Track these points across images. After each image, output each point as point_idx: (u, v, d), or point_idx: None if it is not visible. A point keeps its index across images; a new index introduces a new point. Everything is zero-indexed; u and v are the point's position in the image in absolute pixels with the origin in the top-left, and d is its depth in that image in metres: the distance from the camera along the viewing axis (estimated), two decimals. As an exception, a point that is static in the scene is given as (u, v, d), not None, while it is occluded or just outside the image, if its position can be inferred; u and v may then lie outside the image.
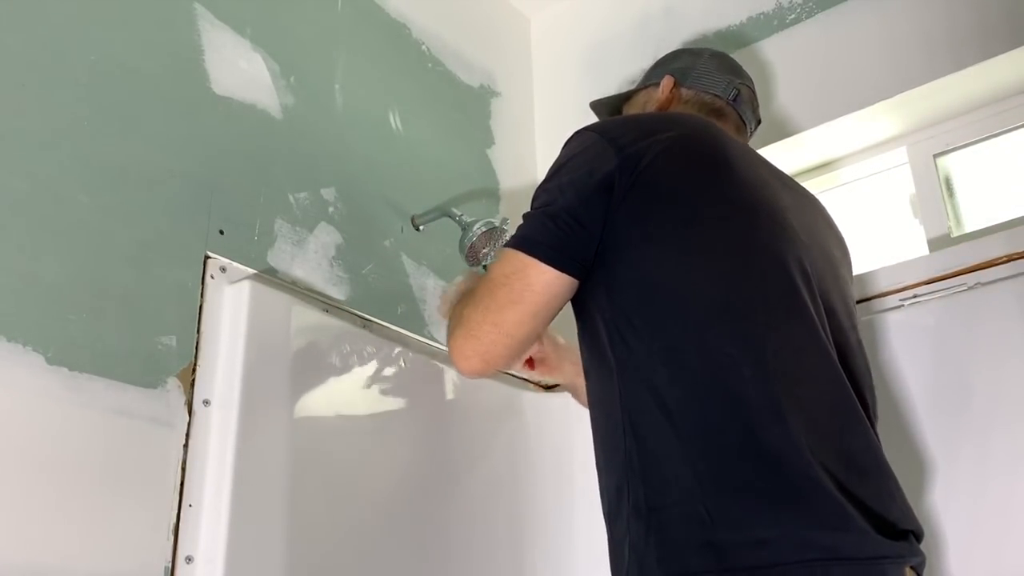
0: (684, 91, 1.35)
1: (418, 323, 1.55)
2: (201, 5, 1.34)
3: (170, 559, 1.08)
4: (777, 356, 0.97)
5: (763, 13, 1.77)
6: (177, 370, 1.16)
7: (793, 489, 0.91)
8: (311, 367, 1.29)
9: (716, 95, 1.34)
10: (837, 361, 1.04)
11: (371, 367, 1.38)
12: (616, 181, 1.05)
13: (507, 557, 1.52)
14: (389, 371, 1.42)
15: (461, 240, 1.51)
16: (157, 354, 1.14)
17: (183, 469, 1.13)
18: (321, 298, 1.39)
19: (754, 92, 1.40)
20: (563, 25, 2.13)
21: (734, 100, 1.34)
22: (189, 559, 1.09)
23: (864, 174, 1.78)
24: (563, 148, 1.16)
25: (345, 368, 1.34)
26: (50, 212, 1.09)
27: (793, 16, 1.73)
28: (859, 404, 1.03)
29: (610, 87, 1.96)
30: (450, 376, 1.53)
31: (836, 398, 1.01)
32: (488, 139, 1.89)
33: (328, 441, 1.28)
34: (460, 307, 1.16)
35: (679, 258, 1.02)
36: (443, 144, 1.76)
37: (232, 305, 1.23)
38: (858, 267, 1.54)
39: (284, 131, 1.42)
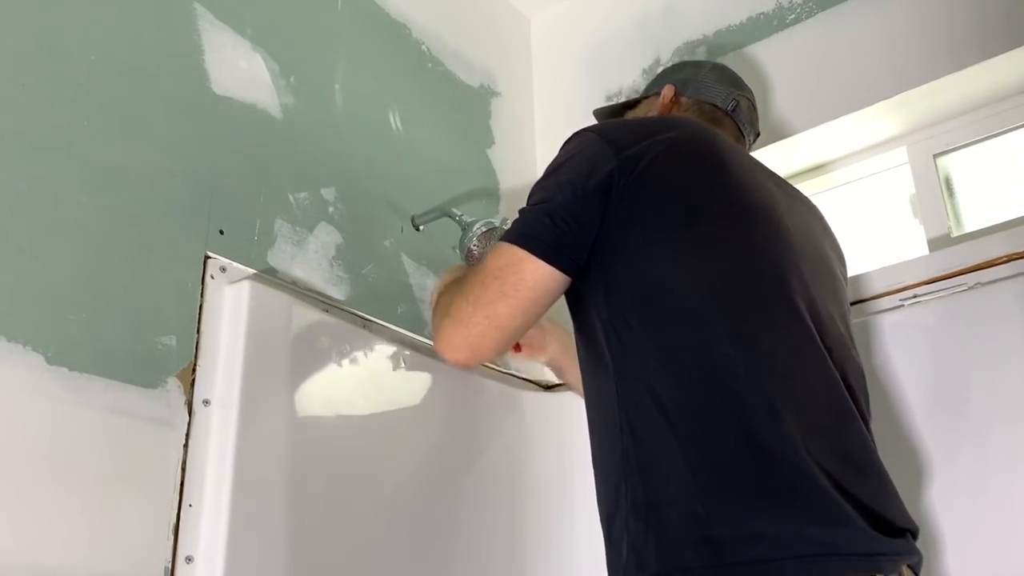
0: (684, 100, 1.38)
1: (418, 323, 1.55)
2: (201, 5, 1.34)
3: (170, 559, 1.08)
4: (772, 356, 0.99)
5: (763, 13, 1.77)
6: (177, 370, 1.16)
7: (789, 486, 0.92)
8: (311, 367, 1.29)
9: (715, 104, 1.36)
10: (831, 362, 1.05)
11: (371, 367, 1.38)
12: (615, 182, 1.06)
13: (507, 557, 1.52)
14: (389, 371, 1.42)
15: (461, 240, 1.51)
16: (157, 354, 1.14)
17: (183, 469, 1.13)
18: (321, 298, 1.39)
19: (754, 105, 1.42)
20: (563, 25, 2.13)
21: (733, 111, 1.37)
22: (189, 559, 1.09)
23: (864, 174, 1.78)
24: (561, 148, 1.17)
25: (345, 368, 1.34)
26: (50, 212, 1.09)
27: (793, 16, 1.73)
28: (852, 404, 1.04)
29: (610, 87, 1.97)
30: (450, 376, 1.53)
31: (830, 398, 1.02)
32: (488, 139, 1.89)
33: (328, 441, 1.28)
34: (448, 297, 1.17)
35: (676, 258, 1.03)
36: (443, 144, 1.76)
37: (232, 305, 1.23)
38: (858, 267, 1.54)
39: (284, 131, 1.42)
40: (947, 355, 1.36)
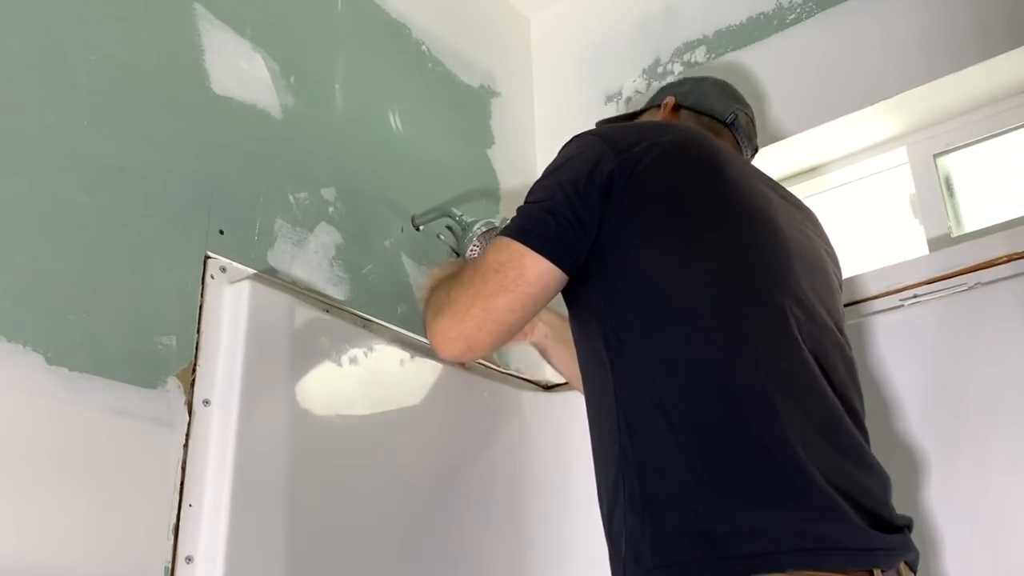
0: (684, 111, 1.40)
1: (418, 323, 1.54)
2: (201, 5, 1.34)
3: (170, 559, 1.08)
4: (769, 355, 1.00)
5: (763, 13, 1.77)
6: (177, 370, 1.16)
7: (787, 483, 0.93)
8: (311, 367, 1.29)
9: (714, 117, 1.38)
10: (826, 361, 1.06)
11: (371, 367, 1.38)
12: (615, 182, 1.07)
13: (507, 557, 1.52)
14: (389, 371, 1.42)
15: (461, 240, 1.51)
16: (157, 354, 1.14)
17: (183, 469, 1.12)
18: (321, 298, 1.39)
19: (752, 121, 1.45)
20: (563, 25, 2.13)
21: (731, 124, 1.39)
22: (189, 559, 1.09)
23: (864, 174, 1.78)
24: (561, 150, 1.18)
25: (345, 368, 1.34)
26: (50, 212, 1.09)
27: (793, 16, 1.73)
28: (842, 405, 1.05)
29: (610, 87, 1.97)
30: (450, 376, 1.53)
31: (825, 397, 1.03)
32: (488, 139, 1.89)
33: (328, 441, 1.28)
34: (445, 290, 1.17)
35: (674, 258, 1.04)
36: (443, 144, 1.76)
37: (232, 305, 1.23)
38: (858, 267, 1.54)
39: (284, 131, 1.42)
40: (947, 355, 1.36)
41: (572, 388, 1.53)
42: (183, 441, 1.14)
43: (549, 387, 1.75)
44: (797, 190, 1.82)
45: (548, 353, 1.49)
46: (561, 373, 1.53)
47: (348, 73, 1.58)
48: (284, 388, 1.24)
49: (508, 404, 1.62)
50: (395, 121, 1.65)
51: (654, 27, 1.93)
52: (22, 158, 1.07)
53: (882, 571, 0.93)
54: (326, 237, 1.43)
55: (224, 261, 1.26)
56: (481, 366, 1.64)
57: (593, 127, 1.26)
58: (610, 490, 1.02)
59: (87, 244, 1.11)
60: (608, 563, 1.02)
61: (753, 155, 1.46)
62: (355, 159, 1.54)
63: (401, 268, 1.55)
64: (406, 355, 1.45)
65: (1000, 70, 1.51)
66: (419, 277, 1.58)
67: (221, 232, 1.27)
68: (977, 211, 1.61)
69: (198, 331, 1.20)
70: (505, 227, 1.13)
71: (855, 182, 1.80)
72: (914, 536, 1.05)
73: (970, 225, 1.60)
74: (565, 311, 1.19)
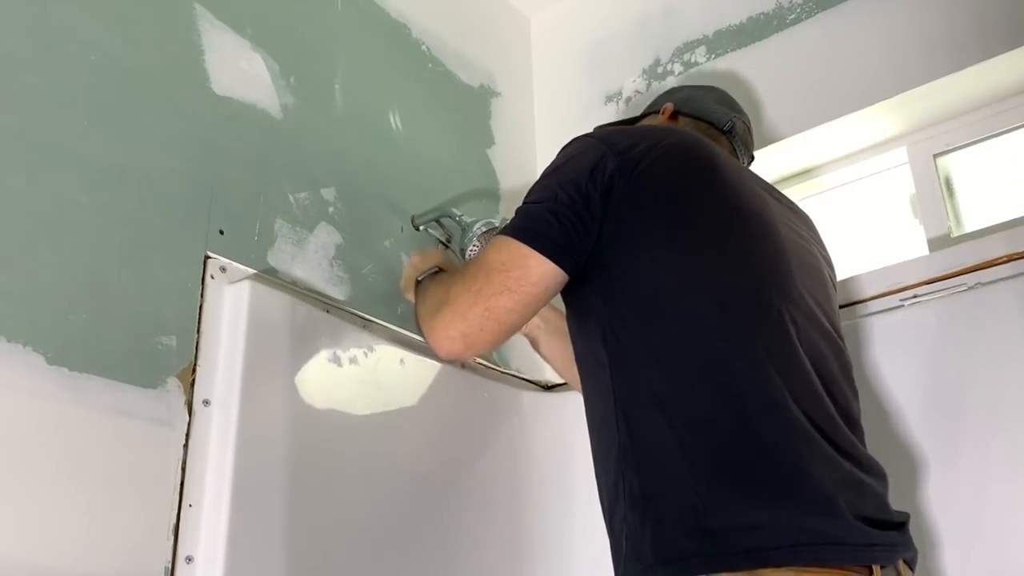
0: (683, 118, 1.42)
1: (418, 323, 1.54)
2: (201, 5, 1.34)
3: (170, 559, 1.08)
4: (767, 354, 1.00)
5: (763, 13, 1.77)
6: (177, 370, 1.16)
7: (786, 479, 0.94)
8: (311, 367, 1.29)
9: (712, 124, 1.40)
10: (822, 361, 1.07)
11: (371, 367, 1.38)
12: (616, 183, 1.07)
13: (507, 557, 1.52)
14: (389, 371, 1.42)
15: (460, 239, 1.51)
16: (157, 354, 1.14)
17: (183, 469, 1.12)
18: (321, 298, 1.39)
19: (749, 130, 1.47)
20: (563, 25, 2.13)
21: (729, 131, 1.41)
22: (189, 559, 1.09)
23: (864, 174, 1.78)
24: (561, 151, 1.18)
25: (345, 368, 1.34)
26: (50, 212, 1.09)
27: (793, 16, 1.73)
28: (839, 405, 1.06)
29: (610, 87, 1.97)
30: (450, 376, 1.53)
31: (822, 397, 1.04)
32: (488, 139, 1.89)
33: (328, 441, 1.28)
34: (443, 286, 1.17)
35: (673, 258, 1.05)
36: (443, 144, 1.76)
37: (232, 305, 1.23)
38: (858, 267, 1.54)
39: (284, 131, 1.42)
40: (947, 355, 1.36)
41: (572, 388, 1.53)
42: (183, 441, 1.14)
43: (549, 387, 1.75)
44: (797, 190, 1.83)
45: (539, 344, 1.50)
46: (552, 364, 1.53)
47: (348, 73, 1.58)
48: (284, 388, 1.24)
49: (508, 404, 1.62)
50: (395, 121, 1.65)
51: (654, 27, 1.93)
52: (22, 158, 1.07)
53: (880, 567, 0.93)
54: (326, 237, 1.43)
55: (224, 261, 1.26)
56: (481, 366, 1.64)
57: (592, 131, 1.26)
58: (611, 489, 1.03)
59: (87, 244, 1.11)
60: (609, 561, 1.02)
61: (749, 163, 1.46)
62: (355, 159, 1.54)
63: (401, 268, 1.55)
64: (406, 355, 1.45)
65: (1000, 70, 1.51)
66: (419, 277, 1.58)
67: (221, 232, 1.27)
68: (977, 211, 1.61)
69: (198, 331, 1.20)
70: (506, 227, 1.13)
71: (855, 182, 1.80)
72: (914, 535, 1.06)
73: (970, 225, 1.60)
74: (560, 305, 1.20)
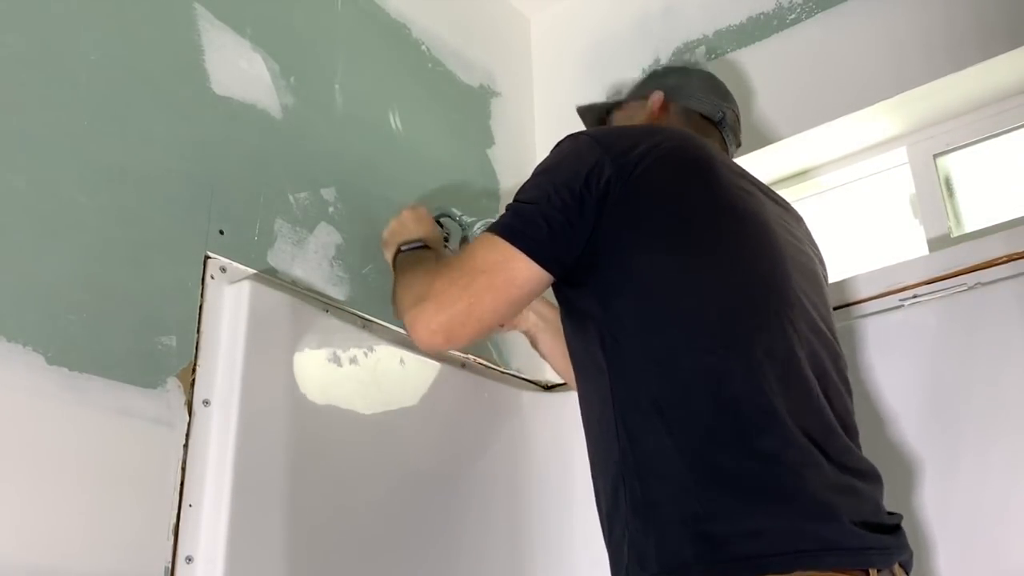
0: (673, 107, 1.39)
1: (418, 323, 1.54)
2: (201, 5, 1.34)
3: (170, 559, 1.08)
4: (767, 359, 1.00)
5: (763, 13, 1.77)
6: (177, 370, 1.16)
7: (785, 485, 0.94)
8: (311, 367, 1.29)
9: (703, 114, 1.38)
10: (819, 365, 1.07)
11: (371, 367, 1.38)
12: (611, 187, 1.06)
13: (507, 557, 1.52)
14: (389, 371, 1.42)
15: (460, 239, 1.51)
16: (157, 354, 1.14)
17: (183, 469, 1.13)
18: (321, 298, 1.39)
19: (738, 117, 1.45)
20: (563, 25, 2.12)
21: (719, 122, 1.39)
22: (189, 559, 1.09)
23: (864, 174, 1.78)
24: (555, 148, 1.17)
25: (345, 368, 1.34)
26: (50, 212, 1.09)
27: (793, 16, 1.73)
28: (835, 407, 1.06)
29: (610, 87, 1.96)
30: (450, 376, 1.53)
31: (819, 402, 1.04)
32: (488, 139, 1.89)
33: (328, 441, 1.28)
34: (428, 276, 1.17)
35: (671, 263, 1.05)
36: (443, 144, 1.76)
37: (232, 305, 1.23)
38: (858, 268, 1.54)
39: (284, 131, 1.42)
40: (947, 355, 1.36)
41: (572, 388, 1.53)
42: (183, 441, 1.14)
43: (549, 387, 1.75)
44: (797, 191, 1.83)
45: (538, 343, 1.51)
46: (551, 363, 1.53)
47: (348, 73, 1.58)
48: (284, 388, 1.24)
49: (508, 404, 1.62)
50: (395, 121, 1.65)
51: (654, 27, 1.93)
52: (22, 158, 1.07)
53: (877, 571, 0.93)
54: (326, 237, 1.43)
55: (224, 261, 1.26)
56: (481, 366, 1.64)
57: (588, 129, 1.25)
58: (610, 494, 1.02)
59: (87, 244, 1.11)
60: (608, 565, 1.02)
61: (737, 148, 1.46)
62: (355, 159, 1.54)
63: (401, 268, 1.55)
64: (406, 355, 1.45)
65: (1000, 70, 1.51)
66: (419, 277, 1.58)
67: (221, 232, 1.27)
68: (977, 211, 1.61)
69: (198, 331, 1.20)
70: (495, 224, 1.13)
71: (855, 182, 1.80)
72: (913, 537, 1.06)
73: (970, 225, 1.60)
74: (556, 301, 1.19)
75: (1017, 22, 1.46)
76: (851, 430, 1.09)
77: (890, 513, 1.05)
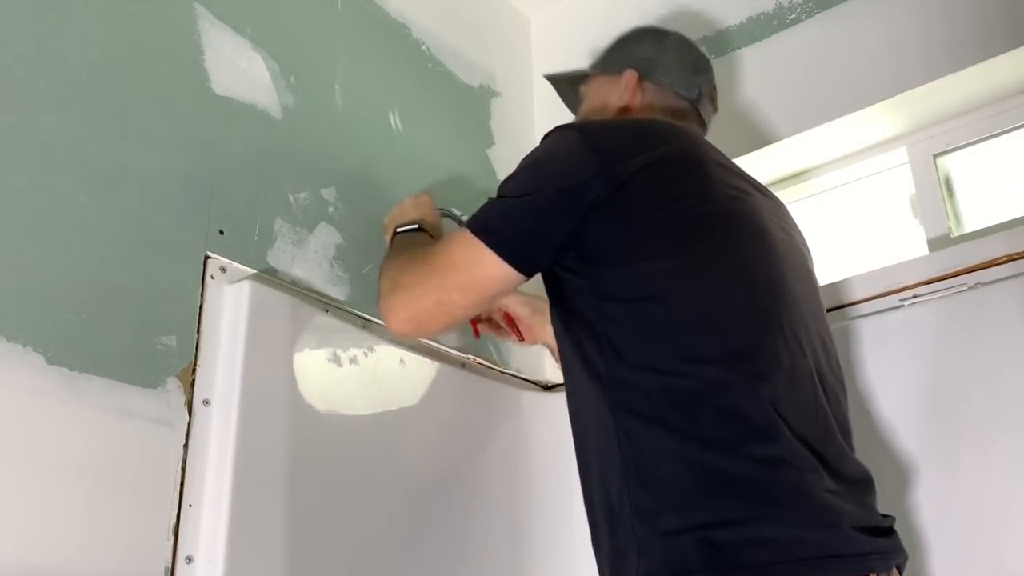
0: (647, 86, 1.33)
1: (418, 323, 1.54)
2: (201, 5, 1.34)
3: (170, 559, 1.08)
4: (765, 365, 1.00)
5: (763, 13, 1.77)
6: (177, 370, 1.16)
7: (787, 492, 0.94)
8: (311, 367, 1.29)
9: (680, 94, 1.33)
10: (816, 368, 1.07)
11: (371, 367, 1.38)
12: (599, 192, 1.05)
13: (507, 557, 1.52)
14: (389, 371, 1.42)
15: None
16: (157, 354, 1.14)
17: (183, 469, 1.13)
18: (321, 298, 1.39)
19: (714, 86, 1.39)
20: (563, 25, 2.12)
21: (696, 99, 1.34)
22: (189, 559, 1.09)
23: (864, 174, 1.78)
24: (543, 141, 1.16)
25: (345, 368, 1.34)
26: (50, 212, 1.09)
27: (793, 16, 1.73)
28: (831, 409, 1.06)
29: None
30: (450, 376, 1.53)
31: (816, 406, 1.04)
32: (488, 139, 1.89)
33: (328, 441, 1.28)
34: (405, 263, 1.18)
35: (669, 270, 1.04)
36: (443, 144, 1.76)
37: (232, 305, 1.23)
38: (857, 267, 1.54)
39: (284, 131, 1.42)
40: (947, 355, 1.36)
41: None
42: (183, 441, 1.14)
43: (549, 387, 1.75)
44: (797, 191, 1.83)
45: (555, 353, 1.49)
46: None
47: (348, 73, 1.58)
48: (284, 388, 1.24)
49: (508, 404, 1.62)
50: (395, 121, 1.65)
51: (654, 27, 1.93)
52: (22, 158, 1.07)
53: (877, 575, 0.93)
54: (326, 237, 1.43)
55: (224, 261, 1.26)
56: (481, 366, 1.64)
57: (577, 123, 1.20)
58: (613, 500, 1.01)
59: (87, 244, 1.11)
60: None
61: (714, 113, 1.39)
62: (355, 159, 1.54)
63: (401, 268, 1.55)
64: (406, 355, 1.45)
65: (1000, 70, 1.51)
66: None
67: (221, 232, 1.27)
68: (977, 211, 1.61)
69: (198, 331, 1.20)
70: (473, 218, 1.12)
71: (855, 182, 1.80)
72: (910, 538, 1.06)
73: (970, 225, 1.60)
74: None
75: (1017, 22, 1.46)
76: (847, 433, 1.09)
77: (884, 515, 1.05)
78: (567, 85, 1.49)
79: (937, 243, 1.59)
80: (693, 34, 1.85)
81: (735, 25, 1.80)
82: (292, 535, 1.18)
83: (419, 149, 1.69)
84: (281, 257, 1.35)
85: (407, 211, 1.39)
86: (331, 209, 1.46)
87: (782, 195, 1.75)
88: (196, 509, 1.12)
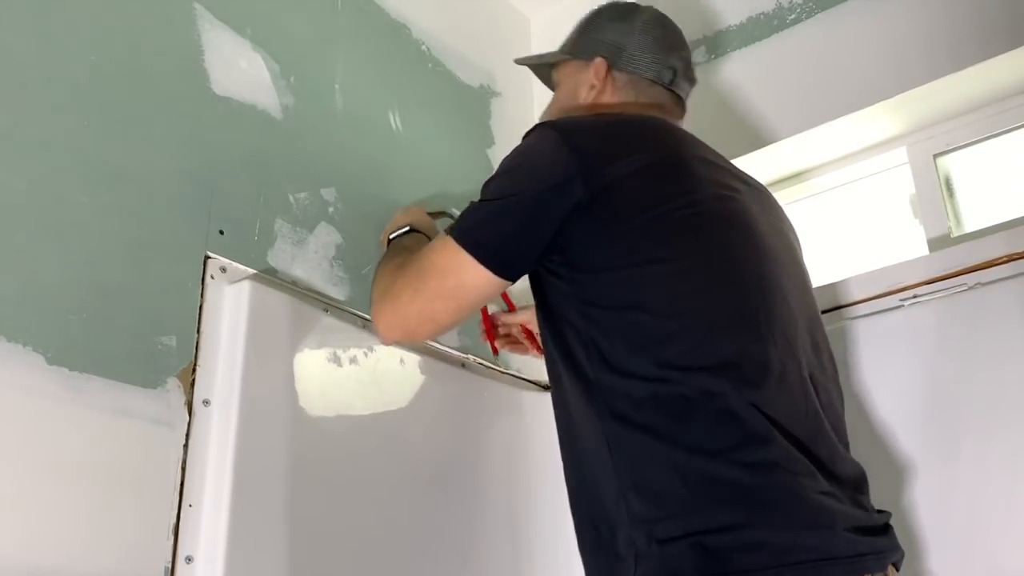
0: (618, 75, 1.29)
1: (418, 323, 1.54)
2: (201, 5, 1.34)
3: (170, 559, 1.08)
4: (756, 370, 0.99)
5: (763, 13, 1.77)
6: (177, 370, 1.16)
7: (780, 495, 0.94)
8: (311, 367, 1.29)
9: (652, 80, 1.28)
10: (809, 369, 1.06)
11: (371, 367, 1.38)
12: (580, 195, 1.04)
13: (506, 557, 1.52)
14: (389, 371, 1.42)
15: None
16: (157, 354, 1.14)
17: (183, 469, 1.12)
18: (321, 298, 1.39)
19: (688, 62, 1.33)
20: (563, 25, 2.10)
21: (671, 81, 1.29)
22: (189, 559, 1.09)
23: (863, 174, 1.78)
24: (523, 141, 1.14)
25: (345, 368, 1.34)
26: (50, 212, 1.09)
27: (793, 16, 1.73)
28: (825, 409, 1.06)
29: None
30: (450, 376, 1.53)
31: (808, 408, 1.03)
32: (488, 139, 1.89)
33: (328, 441, 1.28)
34: (395, 272, 1.19)
35: (657, 276, 1.03)
36: (443, 144, 1.76)
37: (232, 305, 1.23)
38: (857, 267, 1.54)
39: (284, 131, 1.42)
40: (947, 355, 1.36)
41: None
42: (183, 441, 1.14)
43: (549, 387, 1.75)
44: (797, 191, 1.83)
45: None
46: None
47: (348, 73, 1.58)
48: (284, 388, 1.24)
49: (508, 404, 1.62)
50: (395, 121, 1.65)
51: (654, 27, 1.93)
52: (22, 158, 1.07)
53: (872, 575, 0.93)
54: (326, 237, 1.43)
55: (224, 261, 1.26)
56: (481, 366, 1.64)
57: (557, 122, 1.16)
58: (610, 507, 1.01)
59: (87, 244, 1.11)
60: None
61: (692, 87, 1.34)
62: (355, 159, 1.54)
63: (401, 268, 1.55)
64: (406, 355, 1.45)
65: (1000, 70, 1.51)
66: (419, 277, 1.58)
67: (221, 232, 1.27)
68: (977, 211, 1.61)
69: (198, 331, 1.20)
70: (454, 225, 1.12)
71: (855, 182, 1.80)
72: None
73: (970, 225, 1.60)
74: None
75: (1017, 22, 1.46)
76: (841, 433, 1.09)
77: (879, 511, 1.05)
78: (539, 68, 1.47)
79: (937, 243, 1.59)
80: (693, 34, 1.85)
81: (735, 25, 1.80)
82: (292, 535, 1.18)
83: (419, 149, 1.69)
84: (281, 257, 1.35)
85: (397, 221, 1.42)
86: (331, 209, 1.46)
87: (782, 195, 1.76)
88: (196, 509, 1.12)
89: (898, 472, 1.34)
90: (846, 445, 1.09)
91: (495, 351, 1.53)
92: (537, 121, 1.37)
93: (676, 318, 1.00)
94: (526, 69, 2.09)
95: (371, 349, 1.40)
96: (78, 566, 1.01)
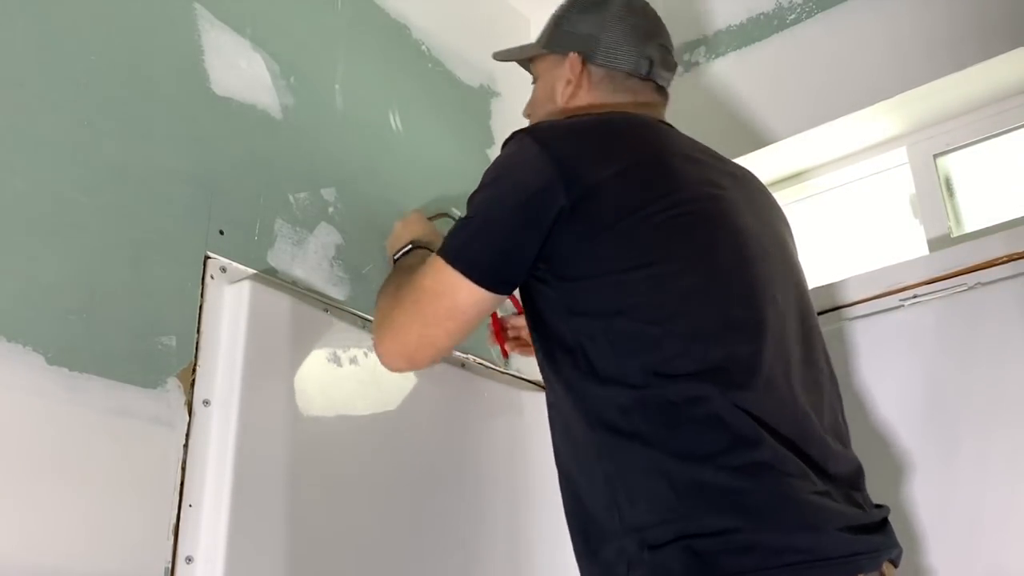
0: (594, 70, 1.25)
1: (418, 323, 1.54)
2: (201, 5, 1.34)
3: (170, 559, 1.08)
4: (744, 373, 0.99)
5: (763, 13, 1.77)
6: (177, 370, 1.16)
7: (770, 498, 0.93)
8: (311, 367, 1.29)
9: (628, 72, 1.24)
10: (793, 367, 1.05)
11: (371, 367, 1.38)
12: (562, 203, 1.03)
13: (506, 556, 1.52)
14: (388, 371, 1.41)
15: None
16: (157, 354, 1.14)
17: (183, 469, 1.13)
18: (321, 298, 1.39)
19: (668, 48, 1.29)
20: (563, 25, 2.12)
21: (649, 72, 1.25)
22: (189, 559, 1.09)
23: (863, 174, 1.78)
24: (502, 150, 1.13)
25: (345, 368, 1.34)
26: (50, 212, 1.09)
27: (793, 16, 1.73)
28: (818, 408, 1.05)
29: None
30: (450, 376, 1.53)
31: (795, 407, 1.02)
32: (488, 139, 1.89)
33: (328, 441, 1.28)
34: (395, 296, 1.18)
35: (644, 282, 1.02)
36: (443, 144, 1.76)
37: (232, 305, 1.23)
38: (857, 267, 1.54)
39: (284, 131, 1.42)
40: (947, 355, 1.36)
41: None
42: (183, 441, 1.14)
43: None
44: (796, 191, 1.83)
45: None
46: None
47: (348, 73, 1.58)
48: (284, 388, 1.24)
49: (508, 404, 1.62)
50: (395, 121, 1.65)
51: (654, 27, 1.93)
52: (22, 158, 1.07)
53: (866, 574, 0.93)
54: (326, 237, 1.43)
55: (224, 261, 1.26)
56: (481, 366, 1.64)
57: (536, 128, 1.14)
58: (601, 515, 1.01)
59: (87, 244, 1.11)
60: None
61: (673, 72, 1.31)
62: (355, 159, 1.54)
63: (401, 268, 1.55)
64: (406, 355, 1.45)
65: (1000, 70, 1.51)
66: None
67: (221, 232, 1.27)
68: (977, 211, 1.61)
69: (198, 331, 1.20)
70: (443, 244, 1.12)
71: (855, 182, 1.80)
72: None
73: (970, 225, 1.60)
74: None
75: (1017, 22, 1.46)
76: (837, 430, 1.08)
77: (877, 506, 1.04)
78: (518, 61, 1.43)
79: (937, 243, 1.59)
80: (693, 34, 1.85)
81: (735, 25, 1.80)
82: (292, 535, 1.18)
83: (419, 149, 1.69)
84: (281, 257, 1.35)
85: (399, 236, 1.41)
86: (331, 209, 1.46)
87: (782, 195, 1.76)
88: (196, 509, 1.12)
89: (898, 471, 1.34)
90: (845, 442, 1.08)
91: (505, 354, 1.53)
92: (521, 114, 1.38)
93: (661, 324, 1.00)
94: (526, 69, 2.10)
95: (371, 349, 1.39)
96: (78, 566, 1.01)
